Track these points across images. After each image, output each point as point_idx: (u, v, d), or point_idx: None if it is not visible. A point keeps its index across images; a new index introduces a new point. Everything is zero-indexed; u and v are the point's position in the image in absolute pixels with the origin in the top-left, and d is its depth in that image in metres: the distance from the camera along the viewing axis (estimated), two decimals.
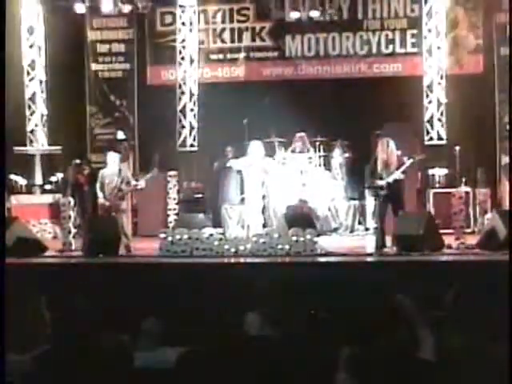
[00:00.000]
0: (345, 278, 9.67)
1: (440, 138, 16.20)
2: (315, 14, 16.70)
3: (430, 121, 16.30)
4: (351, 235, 14.54)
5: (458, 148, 13.13)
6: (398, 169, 11.76)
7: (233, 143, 15.30)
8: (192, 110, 17.22)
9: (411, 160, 11.99)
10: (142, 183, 12.85)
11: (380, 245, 11.70)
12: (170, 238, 11.74)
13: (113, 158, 12.84)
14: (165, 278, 10.03)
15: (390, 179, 11.68)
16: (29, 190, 16.33)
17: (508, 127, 15.04)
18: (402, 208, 11.96)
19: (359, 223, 14.85)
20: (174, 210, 15.85)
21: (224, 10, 17.52)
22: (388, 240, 11.89)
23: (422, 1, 16.54)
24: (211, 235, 11.80)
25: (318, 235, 12.14)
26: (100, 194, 12.53)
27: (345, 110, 15.81)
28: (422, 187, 15.36)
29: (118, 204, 12.47)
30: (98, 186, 12.55)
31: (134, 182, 12.80)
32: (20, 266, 10.09)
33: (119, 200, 12.49)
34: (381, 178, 11.74)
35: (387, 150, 11.80)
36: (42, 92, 17.19)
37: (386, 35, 17.05)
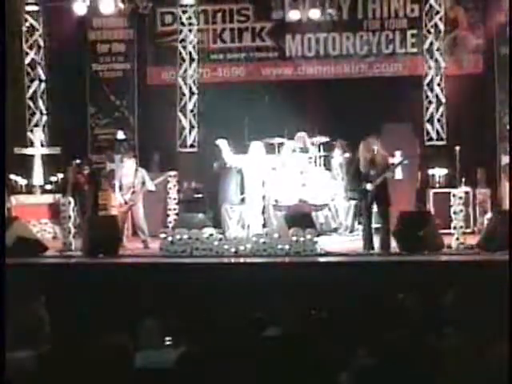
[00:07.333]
0: (345, 277, 9.69)
1: (440, 138, 16.18)
2: (315, 13, 16.68)
3: (430, 121, 16.29)
4: (351, 235, 14.52)
5: (458, 148, 13.12)
6: (385, 169, 11.67)
7: (233, 143, 15.29)
8: (192, 110, 17.20)
9: (391, 171, 11.84)
10: (152, 186, 13.61)
11: (368, 247, 11.66)
12: (170, 238, 11.75)
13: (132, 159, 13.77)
14: (165, 278, 10.04)
15: (378, 181, 11.55)
16: (29, 190, 16.30)
17: (508, 127, 15.03)
18: (388, 206, 11.78)
19: (359, 223, 14.83)
20: (174, 210, 15.83)
21: (224, 9, 17.51)
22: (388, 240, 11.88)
23: (422, 1, 16.54)
24: (211, 235, 11.81)
25: (318, 235, 12.13)
26: (118, 194, 13.37)
27: (345, 110, 15.79)
28: (421, 187, 15.35)
29: (134, 201, 13.29)
30: (116, 185, 13.38)
31: (148, 185, 13.46)
32: (20, 266, 10.09)
33: (134, 198, 13.30)
34: (366, 179, 11.59)
35: (371, 149, 11.62)
36: (42, 92, 17.18)
37: (386, 35, 17.05)
